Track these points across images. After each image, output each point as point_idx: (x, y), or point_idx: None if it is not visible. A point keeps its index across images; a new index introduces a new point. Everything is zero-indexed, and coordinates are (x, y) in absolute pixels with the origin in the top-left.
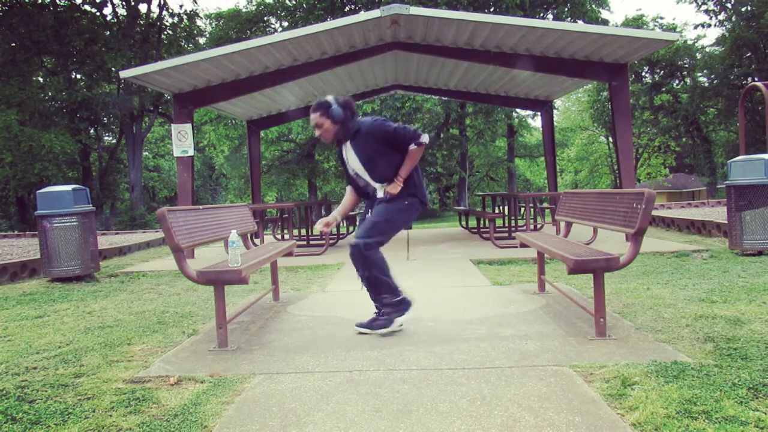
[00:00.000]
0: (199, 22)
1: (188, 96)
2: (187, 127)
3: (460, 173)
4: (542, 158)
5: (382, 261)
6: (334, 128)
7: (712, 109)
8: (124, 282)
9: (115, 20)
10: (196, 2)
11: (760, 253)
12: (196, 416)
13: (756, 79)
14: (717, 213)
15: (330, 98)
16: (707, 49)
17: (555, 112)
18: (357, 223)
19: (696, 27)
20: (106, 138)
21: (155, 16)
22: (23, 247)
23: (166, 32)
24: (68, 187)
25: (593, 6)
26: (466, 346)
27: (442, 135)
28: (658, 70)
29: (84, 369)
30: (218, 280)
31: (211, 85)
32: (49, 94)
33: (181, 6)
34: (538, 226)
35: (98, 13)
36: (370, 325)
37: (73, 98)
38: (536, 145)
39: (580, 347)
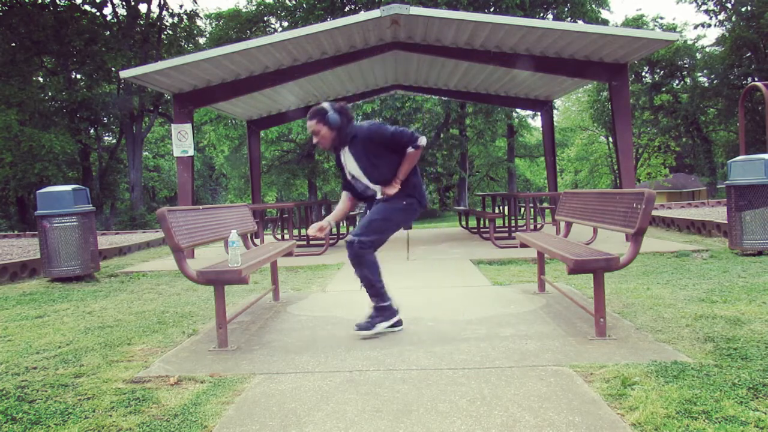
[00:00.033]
0: (199, 22)
1: (188, 96)
2: (187, 127)
3: (460, 173)
4: (542, 158)
5: (374, 263)
6: (331, 135)
7: (712, 109)
8: (124, 282)
9: (115, 20)
10: (196, 2)
11: (760, 253)
12: (196, 416)
13: (756, 79)
14: (717, 213)
15: (326, 105)
16: (707, 49)
17: (555, 112)
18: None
19: (696, 27)
20: (106, 138)
21: (155, 16)
22: (23, 247)
23: (166, 32)
24: (68, 187)
25: (593, 6)
26: (466, 346)
27: (442, 135)
28: (658, 70)
29: (84, 369)
30: (218, 280)
31: (211, 85)
32: (49, 94)
33: (181, 6)
34: (538, 226)
35: (98, 13)
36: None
37: (73, 98)
38: (536, 145)
39: (580, 347)
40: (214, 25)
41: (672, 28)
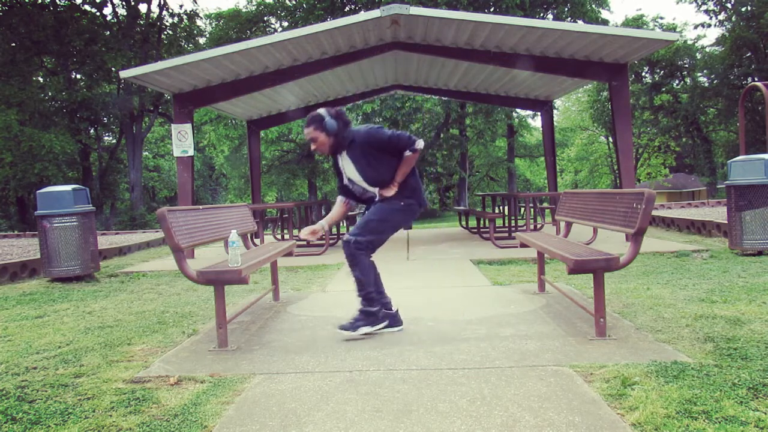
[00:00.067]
0: (199, 22)
1: (188, 96)
2: (187, 127)
3: (460, 173)
4: (542, 158)
5: (368, 267)
6: (329, 141)
7: (712, 109)
8: (124, 282)
9: (115, 20)
10: (196, 2)
11: (760, 253)
12: (196, 416)
13: (756, 79)
14: (717, 213)
15: (322, 111)
16: (707, 49)
17: (555, 112)
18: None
19: (696, 27)
20: (106, 138)
21: (155, 16)
22: (23, 247)
23: (166, 32)
24: (68, 187)
25: (593, 6)
26: (466, 346)
27: (442, 135)
28: (658, 70)
29: (84, 369)
30: (218, 280)
31: (211, 85)
32: (49, 94)
33: (181, 6)
34: (538, 226)
35: (98, 13)
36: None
37: (73, 98)
38: (536, 145)
39: (580, 347)
40: (214, 25)
41: (672, 28)
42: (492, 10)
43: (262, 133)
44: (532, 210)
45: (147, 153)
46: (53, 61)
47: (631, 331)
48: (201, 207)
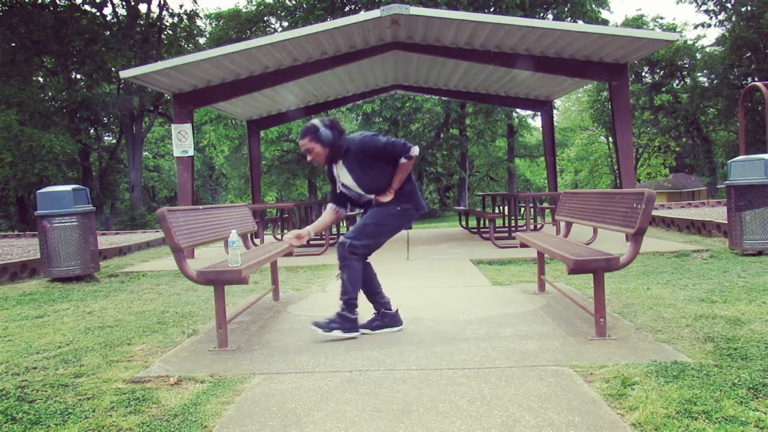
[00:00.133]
0: (199, 22)
1: (188, 96)
2: (187, 127)
3: (460, 173)
4: (542, 158)
5: (357, 273)
6: (324, 151)
7: (712, 109)
8: (124, 282)
9: (115, 20)
10: (196, 2)
11: (760, 253)
12: (196, 416)
13: (756, 79)
14: (717, 213)
15: (316, 122)
16: (707, 49)
17: (555, 112)
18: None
19: (696, 27)
20: (106, 138)
21: (155, 16)
22: (23, 247)
23: (166, 32)
24: (68, 187)
25: (593, 6)
26: (466, 346)
27: (442, 135)
28: (658, 70)
29: (84, 369)
30: (218, 280)
31: (211, 85)
32: (49, 94)
33: (181, 6)
34: (538, 226)
35: (98, 13)
36: (371, 323)
37: (73, 98)
38: (536, 145)
39: (580, 347)
40: (214, 25)
41: (672, 28)
42: (492, 10)
43: (262, 133)
44: (532, 210)
45: (147, 153)
46: (53, 61)
47: (631, 331)
48: (201, 207)
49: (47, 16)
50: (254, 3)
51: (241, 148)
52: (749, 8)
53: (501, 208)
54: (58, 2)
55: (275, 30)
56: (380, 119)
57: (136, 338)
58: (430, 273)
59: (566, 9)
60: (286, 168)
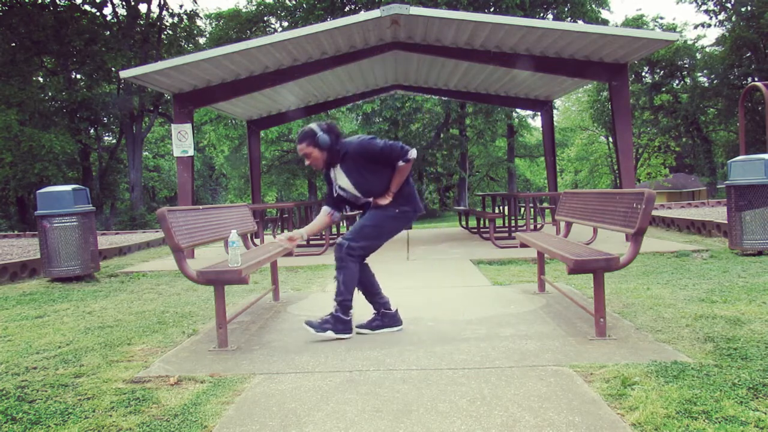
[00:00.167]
0: (199, 22)
1: (188, 96)
2: (187, 127)
3: (460, 173)
4: (542, 158)
5: (353, 275)
6: (322, 156)
7: (712, 109)
8: (124, 282)
9: (115, 20)
10: (196, 2)
11: (760, 253)
12: (196, 416)
13: (756, 79)
14: (717, 213)
15: (314, 126)
16: (707, 49)
17: (555, 112)
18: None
19: (696, 27)
20: (106, 138)
21: (155, 16)
22: (23, 247)
23: (166, 32)
24: (68, 187)
25: (593, 6)
26: (466, 346)
27: (442, 135)
28: (658, 70)
29: (84, 369)
30: (218, 280)
31: (211, 85)
32: (49, 94)
33: (181, 6)
34: (538, 226)
35: (98, 13)
36: (370, 323)
37: (73, 98)
38: (536, 145)
39: (580, 347)
40: (214, 25)
41: (672, 28)
42: (492, 10)
43: (262, 133)
44: (532, 210)
45: (147, 153)
46: (53, 61)
47: (631, 331)
48: (201, 207)
49: (47, 16)
50: (254, 3)
51: (241, 148)
52: (749, 8)
53: (501, 208)
54: (58, 2)
55: (275, 30)
56: (380, 119)
57: (136, 338)
58: (430, 273)
59: (566, 9)
60: (286, 168)
